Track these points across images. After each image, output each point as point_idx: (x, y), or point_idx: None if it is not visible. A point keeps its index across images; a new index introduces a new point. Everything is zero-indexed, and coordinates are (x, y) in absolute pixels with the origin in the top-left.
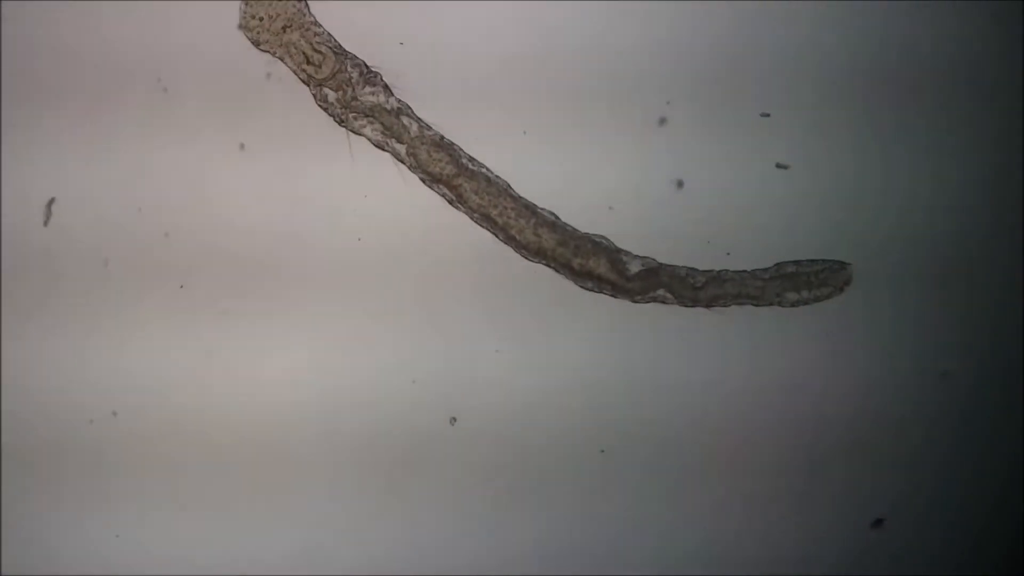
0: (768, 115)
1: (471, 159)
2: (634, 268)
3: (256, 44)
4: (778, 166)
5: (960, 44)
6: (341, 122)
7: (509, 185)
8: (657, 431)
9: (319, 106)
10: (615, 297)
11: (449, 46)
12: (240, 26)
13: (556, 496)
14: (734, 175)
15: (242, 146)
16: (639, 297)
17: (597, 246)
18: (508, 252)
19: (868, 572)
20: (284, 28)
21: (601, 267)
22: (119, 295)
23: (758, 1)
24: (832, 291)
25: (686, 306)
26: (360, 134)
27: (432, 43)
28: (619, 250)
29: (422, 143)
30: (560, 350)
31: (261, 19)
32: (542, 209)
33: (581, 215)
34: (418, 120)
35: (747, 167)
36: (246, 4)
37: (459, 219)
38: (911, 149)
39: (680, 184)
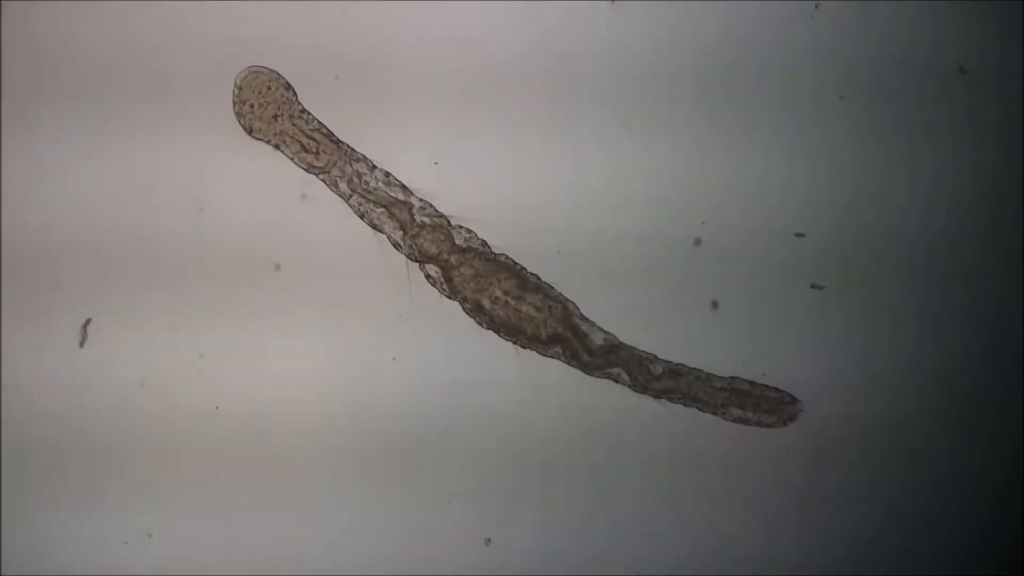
0: (802, 235)
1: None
2: (597, 341)
3: (249, 132)
4: (813, 286)
5: (960, 43)
6: (362, 216)
7: (510, 257)
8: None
9: (331, 189)
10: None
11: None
12: (235, 113)
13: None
14: (768, 295)
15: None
16: (596, 372)
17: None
18: None
19: (868, 572)
20: (275, 116)
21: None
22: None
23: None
24: (775, 422)
25: (637, 392)
26: (373, 224)
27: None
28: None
29: (428, 232)
30: None
31: (252, 106)
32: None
33: (616, 333)
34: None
35: (781, 286)
36: (238, 90)
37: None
38: (909, 148)
39: (715, 305)
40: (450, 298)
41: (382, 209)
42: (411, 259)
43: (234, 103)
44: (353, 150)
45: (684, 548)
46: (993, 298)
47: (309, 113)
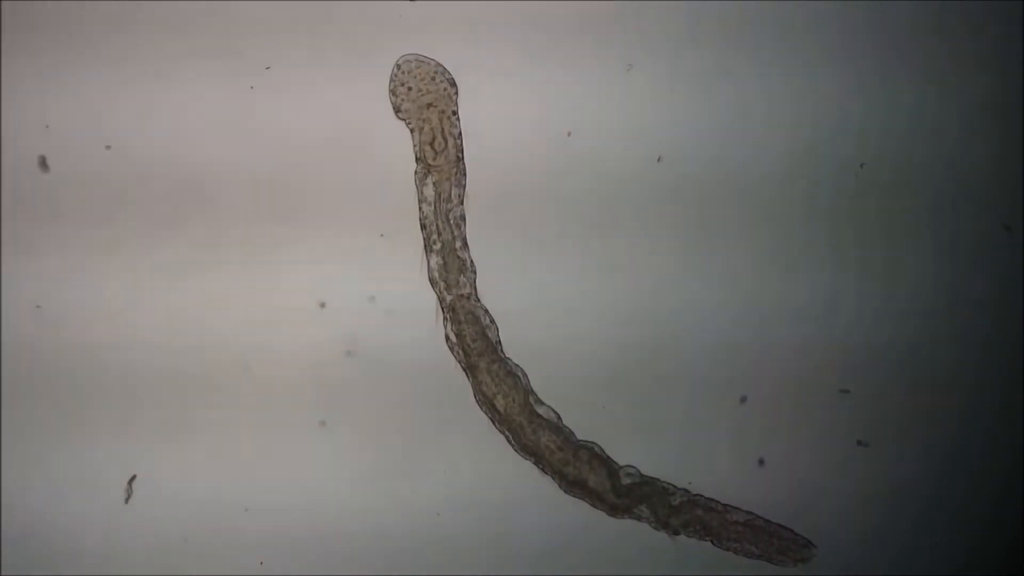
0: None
1: (500, 346)
2: (626, 480)
3: (396, 110)
4: (859, 443)
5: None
6: (423, 227)
7: (526, 376)
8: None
9: (419, 202)
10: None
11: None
12: (390, 91)
13: None
14: (813, 453)
15: None
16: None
17: (594, 456)
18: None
19: (868, 572)
20: (429, 105)
21: (593, 479)
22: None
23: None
24: (785, 561)
25: (655, 529)
26: (429, 254)
27: None
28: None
29: (468, 302)
30: None
31: (409, 88)
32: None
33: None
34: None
35: (827, 444)
36: (398, 69)
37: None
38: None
39: (762, 462)
40: (464, 370)
41: (439, 246)
42: (441, 303)
43: (391, 80)
44: (464, 175)
45: None
46: (993, 300)
47: (458, 118)
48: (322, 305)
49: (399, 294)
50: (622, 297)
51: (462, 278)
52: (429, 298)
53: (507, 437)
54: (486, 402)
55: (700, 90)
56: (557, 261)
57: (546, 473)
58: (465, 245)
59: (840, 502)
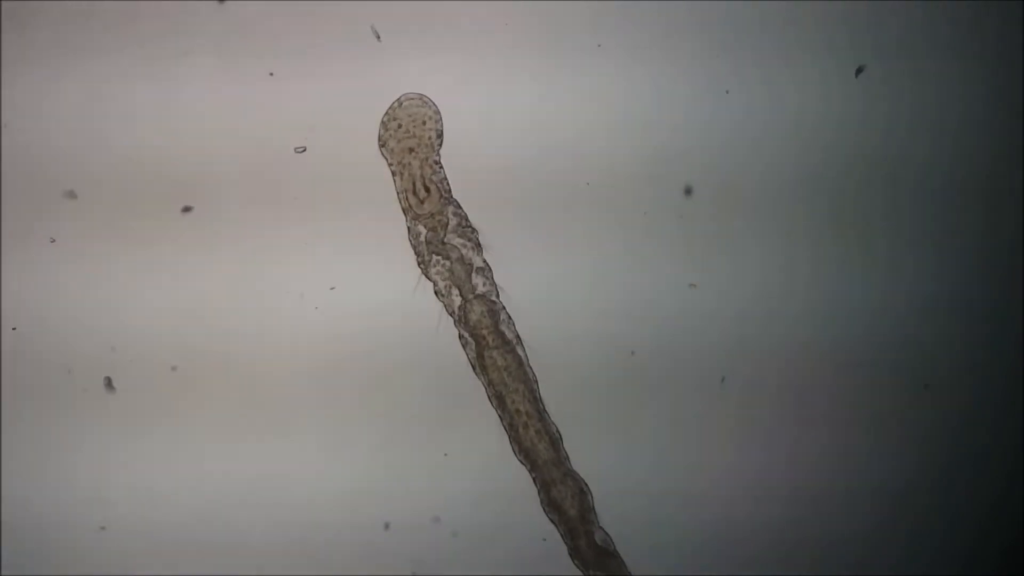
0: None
1: (519, 342)
2: (597, 537)
3: (381, 144)
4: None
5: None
6: (421, 262)
7: (536, 382)
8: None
9: (409, 240)
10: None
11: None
12: (382, 122)
13: None
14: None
15: None
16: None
17: (580, 492)
18: None
19: (868, 572)
20: (410, 150)
21: (573, 510)
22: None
23: None
24: None
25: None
26: (430, 279)
27: None
28: (592, 510)
29: (481, 303)
30: None
31: (399, 126)
32: (552, 422)
33: None
34: (494, 285)
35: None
36: (398, 105)
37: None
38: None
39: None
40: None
41: (447, 262)
42: (447, 310)
43: (386, 113)
44: (459, 205)
45: None
46: (993, 297)
47: (441, 166)
48: (317, 307)
49: (401, 294)
50: (628, 294)
51: (476, 279)
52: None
53: (509, 436)
54: (496, 398)
55: (706, 89)
56: (561, 255)
57: (536, 483)
58: (480, 249)
59: (840, 502)
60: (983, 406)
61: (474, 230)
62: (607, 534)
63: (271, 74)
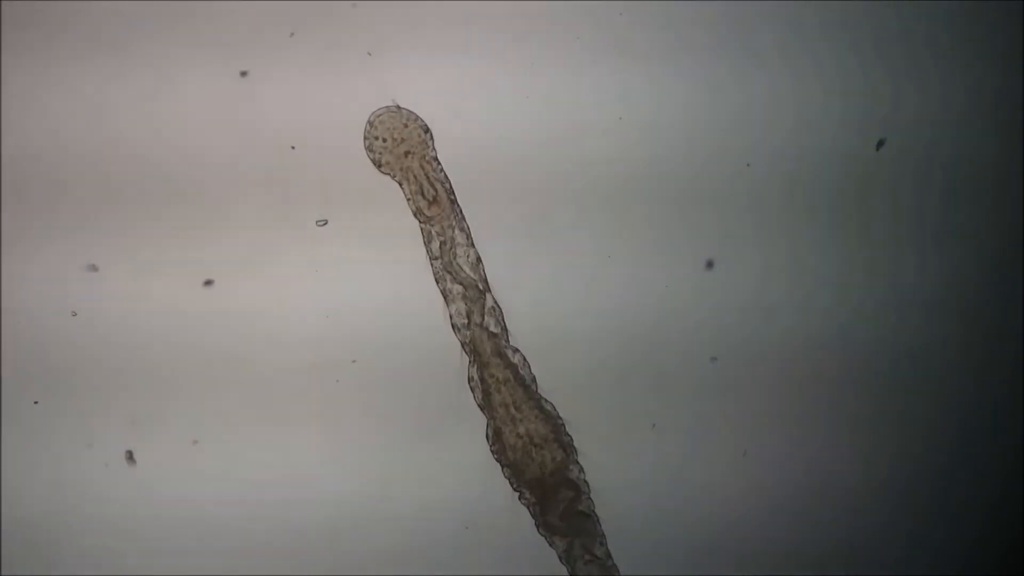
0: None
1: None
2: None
3: (378, 166)
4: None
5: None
6: (436, 280)
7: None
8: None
9: (424, 243)
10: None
11: None
12: (366, 148)
13: None
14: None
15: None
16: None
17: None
18: None
19: (868, 572)
20: (406, 153)
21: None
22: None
23: None
24: None
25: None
26: (447, 303)
27: None
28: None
29: (488, 339)
30: None
31: (384, 141)
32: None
33: None
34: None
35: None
36: (370, 126)
37: None
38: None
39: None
40: (481, 409)
41: (459, 287)
42: (464, 346)
43: (365, 138)
44: (463, 218)
45: None
46: (993, 298)
47: (439, 163)
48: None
49: (403, 296)
50: (626, 291)
51: (488, 319)
52: (433, 298)
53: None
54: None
55: (704, 85)
56: (560, 253)
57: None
58: (487, 286)
59: (839, 502)
60: (983, 406)
61: (480, 260)
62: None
63: (243, 73)
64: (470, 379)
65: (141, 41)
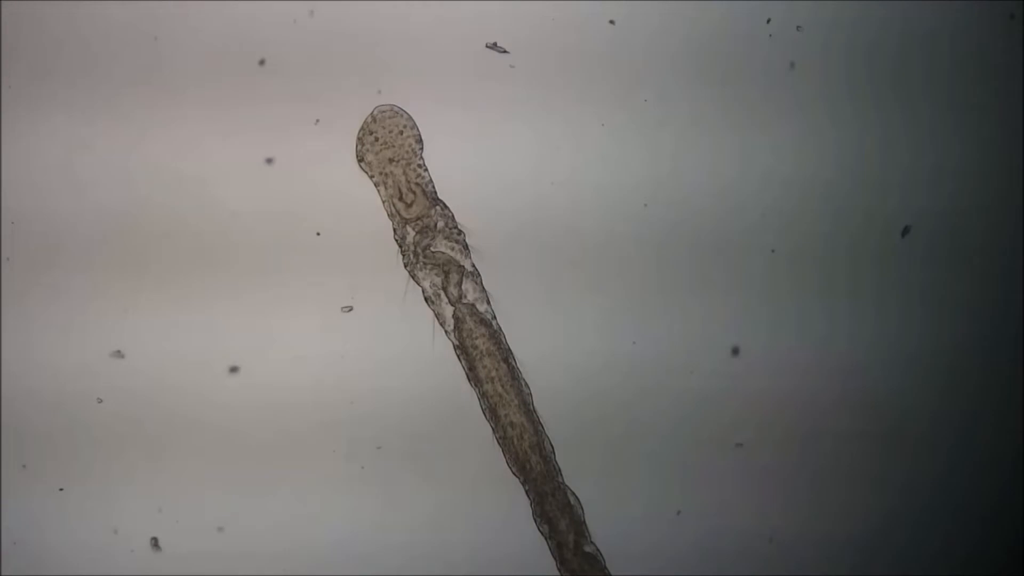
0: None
1: (511, 356)
2: (588, 548)
3: (360, 159)
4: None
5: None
6: (407, 265)
7: (531, 396)
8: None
9: (395, 240)
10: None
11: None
12: (357, 137)
13: None
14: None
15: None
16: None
17: (570, 507)
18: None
19: (868, 572)
20: (390, 160)
21: (563, 524)
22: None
23: None
24: None
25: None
26: (418, 284)
27: None
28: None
29: (471, 314)
30: None
31: (376, 139)
32: (546, 436)
33: None
34: (483, 291)
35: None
36: (372, 119)
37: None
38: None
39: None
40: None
41: (436, 268)
42: (439, 319)
43: (361, 128)
44: (446, 207)
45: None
46: (992, 299)
47: (425, 169)
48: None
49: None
50: (651, 375)
51: (465, 284)
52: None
53: (502, 448)
54: (491, 412)
55: (730, 171)
56: (582, 338)
57: (529, 496)
58: (468, 252)
59: (839, 502)
60: (983, 406)
61: (461, 232)
62: (597, 548)
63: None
64: (455, 348)
65: (168, 127)
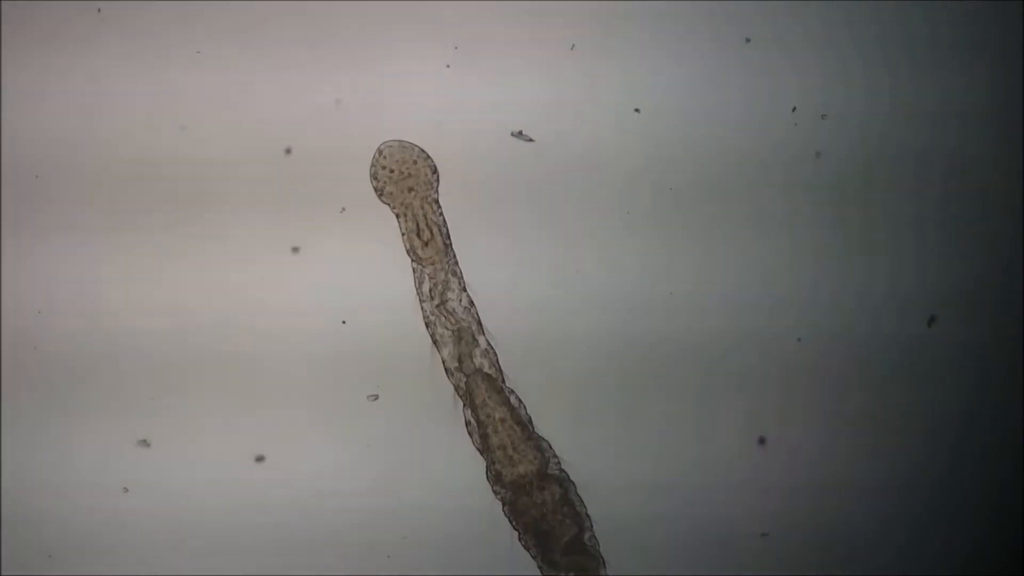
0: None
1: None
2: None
3: (379, 193)
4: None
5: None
6: (427, 324)
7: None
8: None
9: (415, 284)
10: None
11: None
12: (371, 175)
13: None
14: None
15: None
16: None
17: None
18: None
19: (868, 573)
20: (410, 189)
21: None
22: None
23: None
24: None
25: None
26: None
27: None
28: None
29: (482, 379)
30: None
31: (391, 172)
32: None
33: None
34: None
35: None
36: (379, 155)
37: None
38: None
39: (762, 441)
40: (480, 453)
41: (449, 332)
42: (457, 391)
43: (372, 166)
44: (456, 263)
45: None
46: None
47: (439, 206)
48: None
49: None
50: (617, 292)
51: (482, 360)
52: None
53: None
54: (482, 439)
55: (751, 264)
56: (612, 427)
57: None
58: (481, 328)
59: (838, 502)
60: (983, 406)
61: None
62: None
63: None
64: (467, 423)
65: (191, 213)
